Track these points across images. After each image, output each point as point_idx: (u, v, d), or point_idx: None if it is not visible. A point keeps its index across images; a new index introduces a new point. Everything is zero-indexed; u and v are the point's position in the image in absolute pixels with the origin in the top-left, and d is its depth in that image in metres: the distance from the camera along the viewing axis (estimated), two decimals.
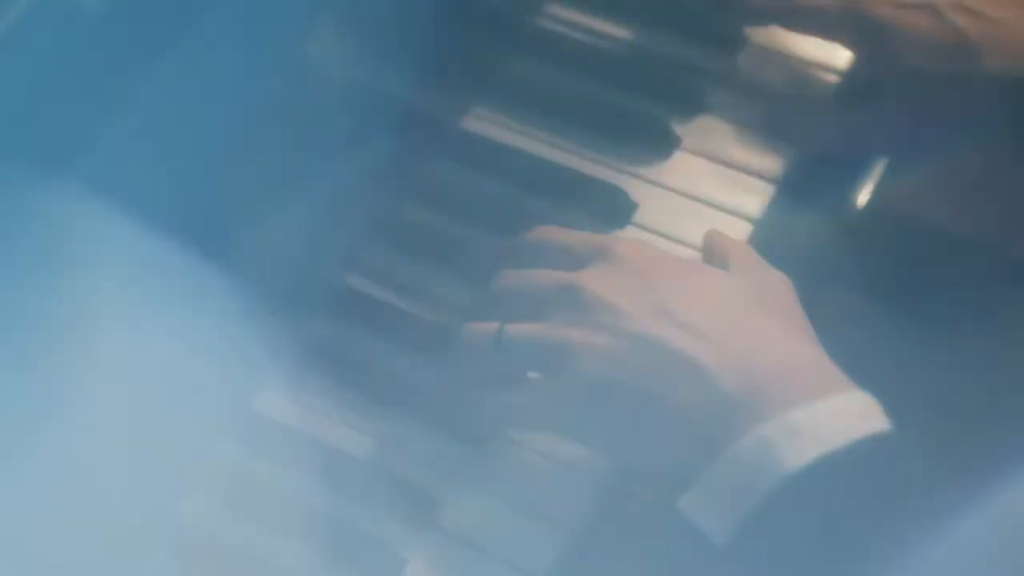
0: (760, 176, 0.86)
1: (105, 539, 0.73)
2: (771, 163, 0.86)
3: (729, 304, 0.72)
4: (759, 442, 0.65)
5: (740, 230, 0.84)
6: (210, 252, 0.76)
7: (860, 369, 0.70)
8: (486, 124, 0.88)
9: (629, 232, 0.84)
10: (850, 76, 0.89)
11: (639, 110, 0.88)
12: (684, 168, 0.86)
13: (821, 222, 0.85)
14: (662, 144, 0.87)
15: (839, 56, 0.89)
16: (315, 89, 0.84)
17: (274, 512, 0.75)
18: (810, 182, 0.86)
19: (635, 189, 0.86)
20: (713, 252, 0.78)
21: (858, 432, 0.66)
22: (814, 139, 0.87)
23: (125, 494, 0.74)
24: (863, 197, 0.87)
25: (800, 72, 0.89)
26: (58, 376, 0.71)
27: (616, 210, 0.85)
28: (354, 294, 0.82)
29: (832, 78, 0.89)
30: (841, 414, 0.66)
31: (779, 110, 0.88)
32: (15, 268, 0.69)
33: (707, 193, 0.85)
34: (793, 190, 0.86)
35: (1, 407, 0.69)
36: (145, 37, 0.73)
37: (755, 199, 0.85)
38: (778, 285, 0.74)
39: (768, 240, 0.84)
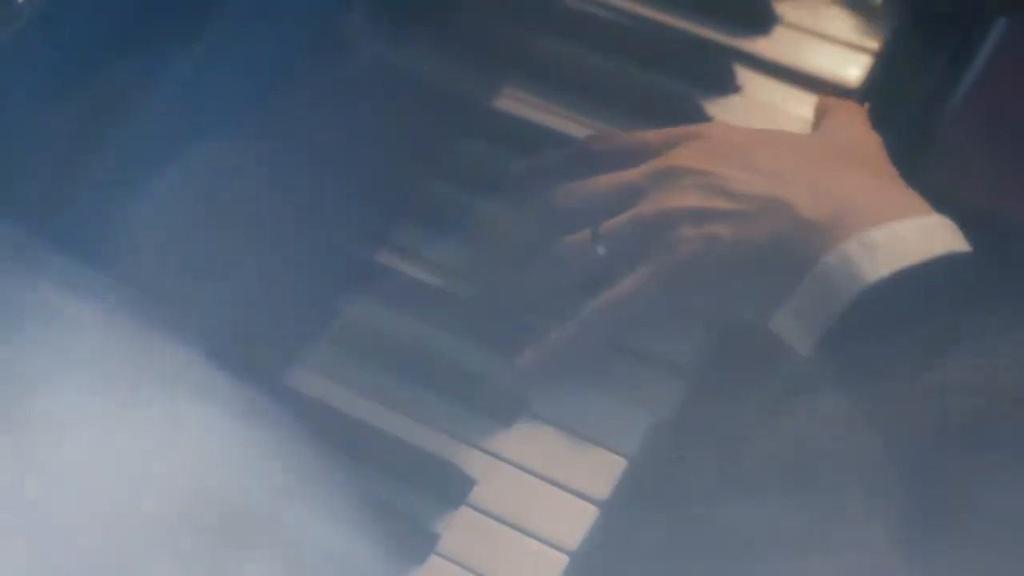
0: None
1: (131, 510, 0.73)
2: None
3: (812, 154, 0.76)
4: (839, 258, 0.70)
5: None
6: (241, 231, 0.77)
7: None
8: (516, 103, 0.88)
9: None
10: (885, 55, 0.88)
11: (669, 90, 0.88)
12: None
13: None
14: (693, 124, 0.86)
15: (874, 33, 0.88)
16: (345, 69, 0.84)
17: (305, 488, 0.76)
18: None
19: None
20: (819, 113, 0.82)
21: (935, 250, 0.69)
22: None
23: (156, 469, 0.75)
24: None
25: (833, 52, 0.89)
26: None
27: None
28: (385, 271, 0.82)
29: (867, 57, 0.88)
30: (919, 233, 0.70)
31: (811, 91, 0.87)
32: None
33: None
34: None
35: None
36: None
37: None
38: (866, 143, 0.78)
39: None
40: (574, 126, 0.87)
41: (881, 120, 0.83)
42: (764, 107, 0.87)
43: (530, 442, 0.77)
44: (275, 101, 0.80)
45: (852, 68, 0.87)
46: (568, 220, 0.78)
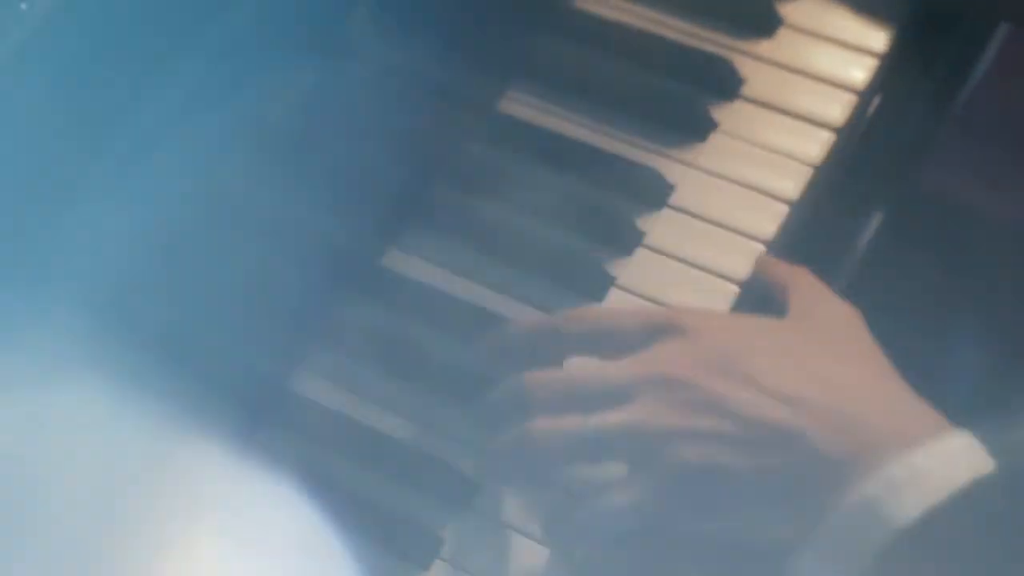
0: (799, 160, 0.85)
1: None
2: (811, 146, 0.86)
3: (809, 358, 0.71)
4: (863, 501, 0.65)
5: (777, 213, 0.83)
6: (250, 231, 0.77)
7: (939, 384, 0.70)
8: (521, 106, 0.88)
9: (665, 214, 0.84)
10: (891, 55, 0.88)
11: (676, 92, 0.88)
12: (721, 151, 0.86)
13: (861, 207, 0.85)
14: (699, 126, 0.86)
15: (879, 35, 0.88)
16: (350, 71, 0.84)
17: (312, 492, 0.76)
18: (851, 166, 0.86)
19: (671, 171, 0.85)
20: (771, 283, 0.78)
21: (961, 478, 0.64)
22: None
23: (161, 475, 0.75)
24: (906, 182, 0.86)
25: (839, 53, 0.89)
26: None
27: (652, 191, 0.85)
28: (394, 276, 0.82)
29: (871, 59, 0.88)
30: (941, 460, 0.65)
31: (817, 92, 0.87)
32: None
33: (744, 176, 0.85)
34: (833, 174, 0.85)
35: None
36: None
37: (793, 183, 0.84)
38: (848, 322, 0.74)
39: (805, 225, 0.84)
40: (579, 129, 0.87)
41: (886, 121, 0.83)
42: (769, 109, 0.87)
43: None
44: (275, 102, 0.79)
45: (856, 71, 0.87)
46: (546, 411, 0.72)
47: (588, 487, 0.71)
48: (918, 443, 0.66)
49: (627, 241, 0.83)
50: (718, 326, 0.73)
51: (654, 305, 0.76)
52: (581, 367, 0.74)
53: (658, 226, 0.84)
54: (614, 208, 0.84)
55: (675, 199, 0.85)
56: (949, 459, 0.65)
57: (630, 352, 0.72)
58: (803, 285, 0.77)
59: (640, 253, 0.83)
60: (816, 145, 0.85)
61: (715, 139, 0.87)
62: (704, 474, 0.68)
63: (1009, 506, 0.65)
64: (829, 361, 0.71)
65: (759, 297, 0.80)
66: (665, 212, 0.84)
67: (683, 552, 0.70)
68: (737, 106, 0.87)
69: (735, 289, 0.81)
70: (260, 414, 0.78)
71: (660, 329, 0.72)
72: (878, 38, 0.88)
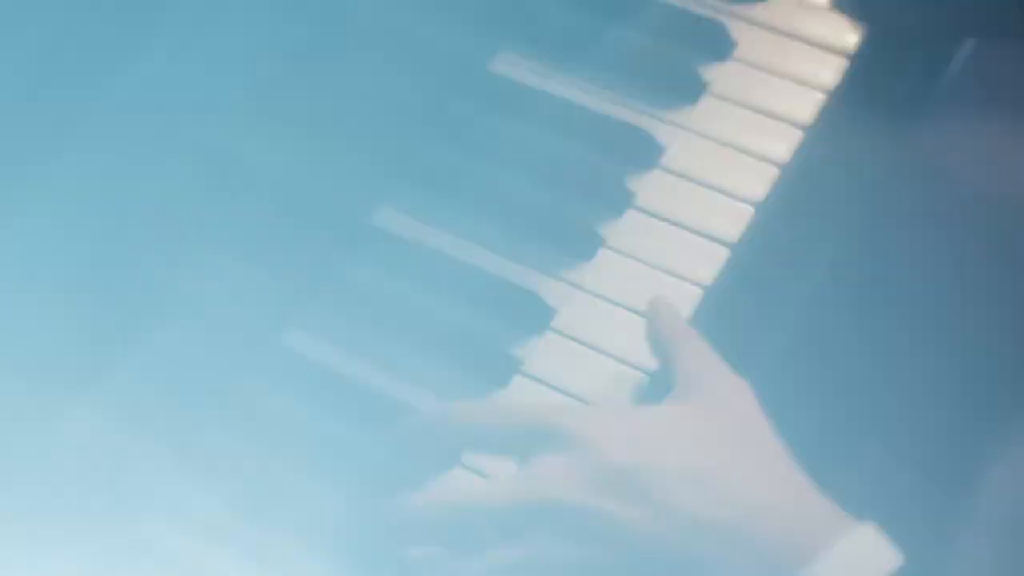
0: (789, 122, 0.85)
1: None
2: (801, 108, 0.85)
3: (701, 463, 0.65)
4: None
5: (768, 175, 0.83)
6: (242, 190, 0.77)
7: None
8: (513, 66, 0.88)
9: (655, 175, 0.84)
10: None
11: (667, 54, 0.88)
12: (713, 113, 0.86)
13: (849, 170, 0.85)
14: (691, 89, 0.86)
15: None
16: (343, 31, 0.84)
17: (298, 448, 0.75)
18: (841, 129, 0.86)
19: (662, 133, 0.85)
20: (658, 340, 0.74)
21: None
22: None
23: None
24: (895, 144, 0.86)
25: (831, 17, 0.88)
26: None
27: (642, 153, 0.84)
28: (382, 233, 0.82)
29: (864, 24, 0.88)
30: (847, 564, 0.62)
31: (809, 55, 0.87)
32: None
33: (735, 138, 0.85)
34: (823, 137, 0.85)
35: None
36: None
37: (784, 145, 0.84)
38: (739, 403, 0.69)
39: (796, 188, 0.84)
40: (572, 90, 0.87)
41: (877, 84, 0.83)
42: (760, 71, 0.87)
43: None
44: (267, 59, 0.79)
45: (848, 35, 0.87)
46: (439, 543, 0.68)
47: None
48: (821, 548, 0.62)
49: (617, 202, 0.83)
50: (604, 433, 0.66)
51: (537, 406, 0.72)
52: (465, 489, 0.70)
53: (649, 187, 0.83)
54: (605, 169, 0.84)
55: (666, 160, 0.85)
56: (854, 562, 0.62)
57: (514, 457, 0.67)
58: (691, 357, 0.71)
59: (630, 214, 0.83)
60: (807, 107, 0.85)
61: (706, 101, 0.86)
62: None
63: None
64: (723, 465, 0.66)
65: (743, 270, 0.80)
66: (656, 173, 0.84)
67: None
68: (729, 68, 0.87)
69: (725, 252, 0.81)
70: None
71: (542, 436, 0.67)
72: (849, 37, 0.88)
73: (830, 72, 0.86)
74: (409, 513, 0.68)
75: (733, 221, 0.82)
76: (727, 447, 0.67)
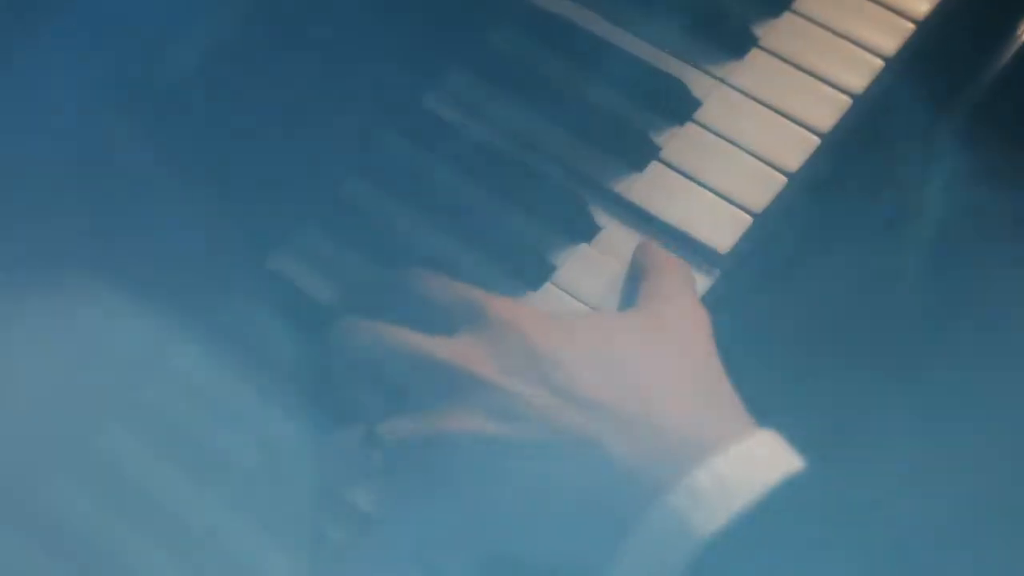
0: (837, 87, 0.79)
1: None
2: (852, 76, 0.80)
3: (618, 356, 0.66)
4: (666, 513, 0.61)
5: (806, 143, 0.78)
6: (233, 112, 0.73)
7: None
8: (556, 2, 0.83)
9: (687, 130, 0.79)
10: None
11: (718, 3, 0.82)
12: (757, 69, 0.81)
13: (896, 145, 0.79)
14: (738, 41, 0.81)
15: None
16: None
17: (270, 366, 0.73)
18: (890, 99, 0.79)
19: (701, 86, 0.80)
20: (639, 271, 0.73)
21: (765, 481, 0.61)
22: None
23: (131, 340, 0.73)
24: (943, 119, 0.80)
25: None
26: None
27: (677, 105, 0.80)
28: (381, 155, 0.79)
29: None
30: (744, 463, 0.62)
31: (874, 17, 0.81)
32: None
33: (777, 99, 0.79)
34: (872, 106, 0.79)
35: None
36: None
37: (828, 112, 0.79)
38: (682, 320, 0.69)
39: (835, 156, 0.78)
40: (615, 32, 0.82)
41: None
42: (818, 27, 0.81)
43: None
44: None
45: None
46: (349, 366, 0.71)
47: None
48: (721, 448, 0.62)
49: (641, 154, 0.78)
50: (536, 324, 0.68)
51: (479, 291, 0.71)
52: (388, 331, 0.70)
53: (676, 142, 0.78)
54: (634, 119, 0.79)
55: (700, 115, 0.79)
56: (753, 461, 0.62)
57: (442, 329, 0.69)
58: (661, 277, 0.72)
59: (653, 167, 0.78)
60: (861, 75, 0.80)
61: (754, 56, 0.81)
62: (496, 481, 0.64)
63: (822, 503, 0.61)
64: (646, 363, 0.66)
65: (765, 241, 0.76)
66: (687, 128, 0.79)
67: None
68: (784, 22, 0.82)
69: (748, 219, 0.76)
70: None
71: (472, 314, 0.68)
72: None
73: (891, 39, 0.80)
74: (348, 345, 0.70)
75: (761, 189, 0.77)
76: (651, 349, 0.67)
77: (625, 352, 0.67)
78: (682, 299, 0.71)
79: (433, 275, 0.72)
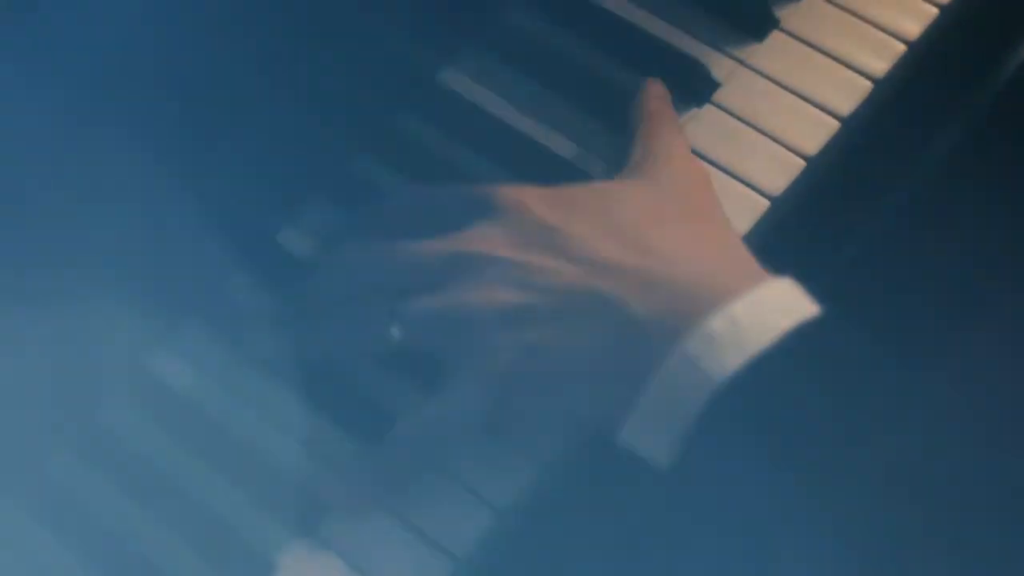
0: (859, 71, 0.78)
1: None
2: (874, 60, 0.79)
3: (627, 221, 0.67)
4: (682, 360, 0.62)
5: (826, 127, 0.77)
6: (242, 89, 0.73)
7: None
8: None
9: (706, 112, 0.78)
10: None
11: None
12: (778, 51, 0.80)
13: (916, 131, 0.78)
14: (759, 23, 0.80)
15: None
16: None
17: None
18: (912, 84, 0.78)
19: (721, 67, 0.79)
20: (633, 135, 0.74)
21: (780, 326, 0.62)
22: None
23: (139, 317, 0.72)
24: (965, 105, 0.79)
25: None
26: None
27: (696, 87, 0.79)
28: (397, 136, 0.78)
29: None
30: (760, 309, 0.62)
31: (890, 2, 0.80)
32: None
33: (797, 82, 0.78)
34: (893, 91, 0.78)
35: None
36: None
37: (848, 96, 0.78)
38: (684, 180, 0.71)
39: (855, 142, 0.77)
40: (636, 11, 0.81)
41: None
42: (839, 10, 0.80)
43: None
44: None
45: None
46: (360, 287, 0.70)
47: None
48: (735, 294, 0.63)
49: None
50: (540, 200, 0.69)
51: (481, 186, 0.72)
52: (397, 248, 0.70)
53: (695, 124, 0.77)
54: None
55: (719, 97, 0.78)
56: (768, 307, 0.62)
57: (450, 230, 0.69)
58: (655, 135, 0.73)
59: None
60: (883, 59, 0.78)
61: (775, 39, 0.80)
62: (519, 353, 0.65)
63: (836, 349, 0.62)
64: (650, 222, 0.67)
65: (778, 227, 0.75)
66: (706, 110, 0.78)
67: (516, 432, 0.67)
68: (806, 5, 0.81)
69: (765, 203, 0.75)
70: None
71: (479, 205, 0.69)
72: None
73: (914, 24, 0.79)
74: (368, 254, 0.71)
75: (780, 173, 0.76)
76: (659, 211, 0.68)
77: (634, 215, 0.68)
78: (679, 158, 0.71)
79: (429, 184, 0.73)
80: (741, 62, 0.79)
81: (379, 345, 0.69)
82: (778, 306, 0.63)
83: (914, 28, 0.79)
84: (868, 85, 0.78)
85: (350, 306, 0.70)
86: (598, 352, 0.64)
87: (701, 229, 0.68)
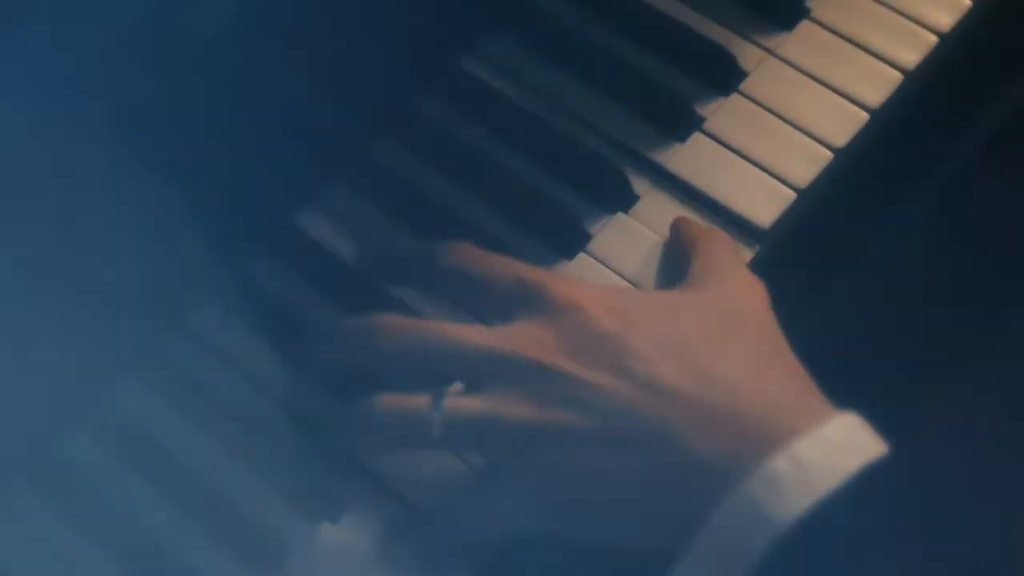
0: (889, 62, 0.77)
1: None
2: (905, 51, 0.77)
3: (689, 340, 0.63)
4: (744, 500, 0.58)
5: (855, 119, 0.76)
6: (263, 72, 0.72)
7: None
8: None
9: (734, 101, 0.76)
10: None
11: None
12: (807, 41, 0.78)
13: (947, 122, 0.77)
14: (788, 12, 0.79)
15: None
16: None
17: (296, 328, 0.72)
18: (943, 76, 0.77)
19: (748, 56, 0.78)
20: (683, 245, 0.70)
21: (847, 466, 0.58)
22: None
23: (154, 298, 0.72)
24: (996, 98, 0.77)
25: None
26: None
27: (723, 75, 0.77)
28: (423, 124, 0.77)
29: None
30: (826, 449, 0.59)
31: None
32: None
33: (826, 72, 0.77)
34: (924, 83, 0.77)
35: None
36: None
37: (878, 87, 0.76)
38: (746, 297, 0.66)
39: (884, 136, 0.76)
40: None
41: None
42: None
43: None
44: None
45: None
46: (398, 364, 0.66)
47: (440, 482, 0.65)
48: (800, 432, 0.59)
49: (684, 124, 0.76)
50: (593, 302, 0.64)
51: (536, 268, 0.67)
52: (437, 327, 0.66)
53: (721, 113, 0.76)
54: (678, 88, 0.77)
55: (746, 86, 0.77)
56: (834, 446, 0.59)
57: (495, 312, 0.65)
58: (712, 251, 0.69)
59: (695, 138, 0.76)
60: (914, 50, 0.77)
61: (803, 28, 0.79)
62: (566, 476, 0.62)
63: (906, 490, 0.59)
64: (712, 345, 0.63)
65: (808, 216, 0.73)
66: (732, 99, 0.77)
67: (554, 560, 0.64)
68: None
69: (791, 195, 0.74)
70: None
71: (530, 297, 0.65)
72: None
73: (946, 15, 0.78)
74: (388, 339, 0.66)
75: (806, 164, 0.75)
76: (721, 332, 0.64)
77: (695, 334, 0.64)
78: (739, 275, 0.68)
79: (471, 247, 0.69)
80: (769, 51, 0.78)
81: (418, 439, 0.64)
82: (844, 445, 0.59)
83: (947, 20, 0.78)
84: (898, 77, 0.76)
85: (389, 388, 0.66)
86: (651, 483, 0.61)
87: (763, 356, 0.64)
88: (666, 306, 0.66)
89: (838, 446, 0.59)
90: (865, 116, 0.76)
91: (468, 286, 0.68)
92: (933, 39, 0.77)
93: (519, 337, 0.64)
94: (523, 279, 0.66)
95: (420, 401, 0.64)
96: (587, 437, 0.61)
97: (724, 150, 0.75)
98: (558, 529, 0.63)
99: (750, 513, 0.58)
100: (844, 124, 0.76)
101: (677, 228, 0.72)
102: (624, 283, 0.72)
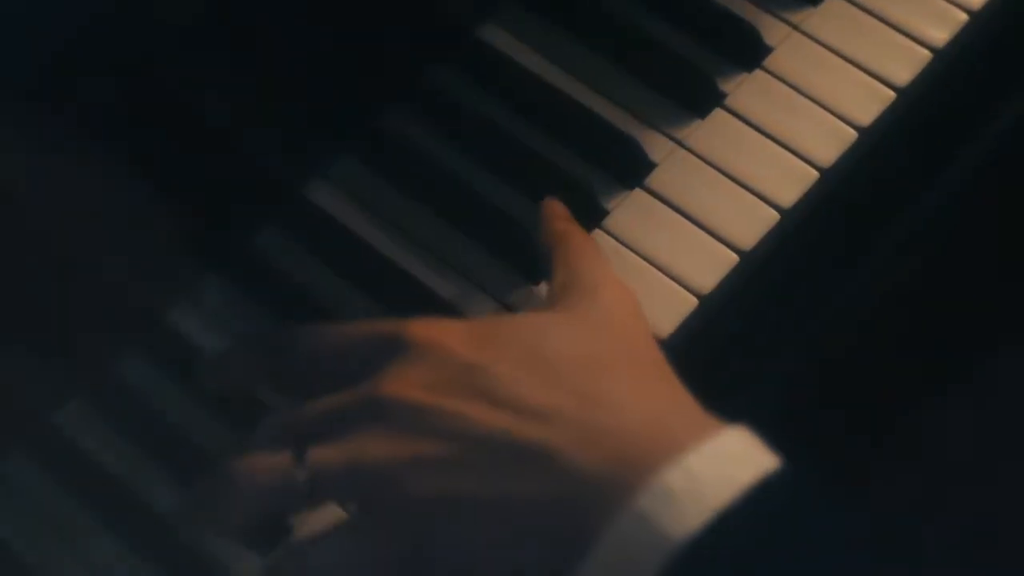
0: (918, 40, 0.75)
1: None
2: (934, 29, 0.75)
3: (560, 360, 0.60)
4: (636, 516, 0.56)
5: (881, 97, 0.74)
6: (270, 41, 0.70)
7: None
8: None
9: (757, 77, 0.75)
10: None
11: None
12: (835, 16, 0.76)
13: (976, 104, 0.75)
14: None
15: None
16: None
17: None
18: (972, 55, 0.75)
19: (773, 32, 0.76)
20: (545, 241, 0.68)
21: (740, 479, 0.56)
22: None
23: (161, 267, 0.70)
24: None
25: None
26: None
27: (747, 51, 0.76)
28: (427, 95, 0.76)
29: None
30: (719, 462, 0.56)
31: None
32: None
33: (853, 49, 0.75)
34: (953, 61, 0.75)
35: None
36: None
37: (905, 65, 0.74)
38: (616, 311, 0.64)
39: (910, 112, 0.74)
40: None
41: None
42: None
43: None
44: None
45: None
46: (266, 440, 0.62)
47: (311, 536, 0.62)
48: (688, 446, 0.57)
49: (705, 100, 0.74)
50: (453, 336, 0.62)
51: (391, 319, 0.64)
52: (307, 402, 0.63)
53: (743, 89, 0.74)
54: (700, 62, 0.75)
55: (770, 63, 0.75)
56: (726, 459, 0.56)
57: (363, 375, 0.62)
58: (577, 260, 0.66)
59: (716, 115, 0.74)
60: (944, 28, 0.75)
61: (830, 4, 0.77)
62: (443, 508, 0.58)
63: (802, 502, 0.56)
64: (586, 363, 0.61)
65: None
66: (756, 75, 0.75)
67: None
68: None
69: (814, 174, 0.72)
70: None
71: (389, 346, 0.62)
72: None
73: None
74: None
75: (830, 143, 0.73)
76: (593, 349, 0.62)
77: (565, 354, 0.61)
78: (607, 284, 0.65)
79: (327, 324, 0.66)
80: (795, 27, 0.76)
81: (288, 498, 0.61)
82: (738, 457, 0.57)
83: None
84: (927, 55, 0.74)
85: (257, 458, 0.62)
86: (536, 507, 0.58)
87: (639, 371, 0.62)
88: (534, 328, 0.63)
89: (731, 459, 0.56)
90: (892, 95, 0.74)
91: (328, 363, 0.65)
92: (964, 17, 0.75)
93: (376, 382, 0.61)
94: (377, 332, 0.63)
95: (282, 460, 0.61)
96: (460, 467, 0.59)
97: (746, 127, 0.74)
98: (435, 560, 0.60)
99: (643, 528, 0.55)
100: (870, 102, 0.74)
101: (543, 216, 0.69)
102: (639, 260, 0.71)
